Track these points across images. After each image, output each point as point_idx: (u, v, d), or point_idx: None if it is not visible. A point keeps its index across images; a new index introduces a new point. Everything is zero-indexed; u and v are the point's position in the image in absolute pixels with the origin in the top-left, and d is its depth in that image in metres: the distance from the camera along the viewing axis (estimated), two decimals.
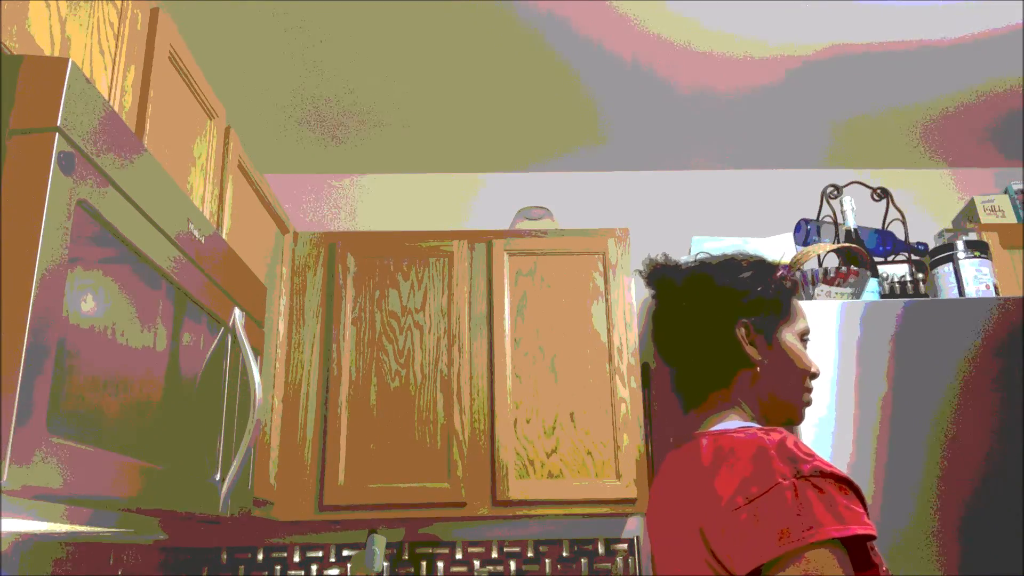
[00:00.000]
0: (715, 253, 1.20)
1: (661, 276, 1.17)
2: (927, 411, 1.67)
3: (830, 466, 0.90)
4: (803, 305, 1.74)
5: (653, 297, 1.18)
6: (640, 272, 1.21)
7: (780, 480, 0.87)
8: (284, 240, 2.31)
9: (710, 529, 0.92)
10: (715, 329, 1.09)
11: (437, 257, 2.42)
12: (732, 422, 1.05)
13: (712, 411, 1.09)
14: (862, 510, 0.88)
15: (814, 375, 1.12)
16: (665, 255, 1.19)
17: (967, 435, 1.65)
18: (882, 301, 1.83)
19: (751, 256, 1.16)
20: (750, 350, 1.07)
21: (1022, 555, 1.57)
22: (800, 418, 1.11)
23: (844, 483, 0.89)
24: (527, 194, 2.90)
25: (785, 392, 1.09)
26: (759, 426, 1.03)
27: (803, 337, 1.13)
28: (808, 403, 1.12)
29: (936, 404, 1.67)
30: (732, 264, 1.14)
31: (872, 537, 0.87)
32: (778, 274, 1.13)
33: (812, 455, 0.91)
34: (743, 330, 1.08)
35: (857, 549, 0.87)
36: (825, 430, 1.64)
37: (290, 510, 2.18)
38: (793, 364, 1.10)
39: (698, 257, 1.18)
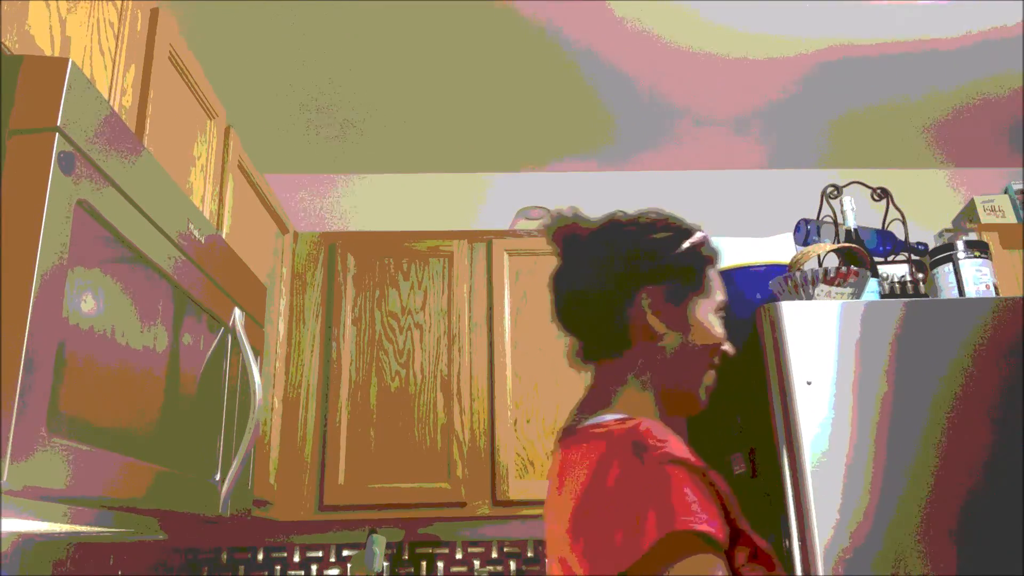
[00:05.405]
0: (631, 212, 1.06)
1: (566, 232, 1.06)
2: (926, 411, 1.67)
3: (681, 452, 0.83)
4: (805, 304, 1.74)
5: (557, 255, 1.08)
6: (545, 225, 1.08)
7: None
8: (284, 240, 2.31)
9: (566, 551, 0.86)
10: (618, 295, 0.98)
11: (437, 257, 2.42)
12: (605, 415, 0.94)
13: (599, 394, 0.99)
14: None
15: (725, 353, 1.01)
16: (573, 208, 1.07)
17: (966, 435, 1.65)
18: (882, 301, 1.83)
19: (667, 217, 1.04)
20: (653, 320, 0.97)
21: (1022, 556, 1.57)
22: (700, 405, 1.01)
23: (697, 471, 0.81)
24: (527, 194, 2.90)
25: (690, 372, 0.99)
26: (618, 417, 0.92)
27: (718, 312, 1.03)
28: (711, 383, 1.01)
29: (936, 404, 1.67)
30: (644, 224, 1.02)
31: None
32: (695, 238, 1.02)
33: (665, 441, 0.83)
34: (646, 297, 0.97)
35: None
36: (824, 430, 1.64)
37: (290, 510, 2.18)
38: (703, 340, 0.99)
39: (611, 214, 1.05)
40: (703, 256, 1.02)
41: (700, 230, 1.04)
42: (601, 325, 1.00)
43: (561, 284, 1.05)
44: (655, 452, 0.81)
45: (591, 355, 1.02)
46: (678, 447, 0.83)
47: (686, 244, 1.01)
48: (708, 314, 1.01)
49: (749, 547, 0.86)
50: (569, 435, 0.98)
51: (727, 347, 1.02)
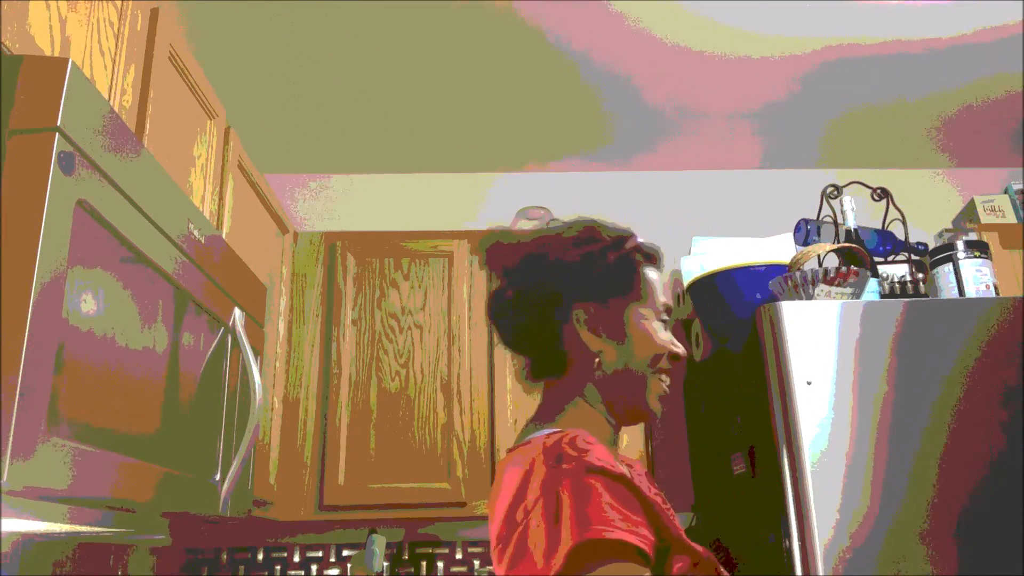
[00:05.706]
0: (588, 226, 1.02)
1: (495, 255, 1.02)
2: (926, 411, 1.67)
3: (601, 461, 0.81)
4: (805, 304, 1.74)
5: (490, 278, 1.05)
6: (481, 245, 1.03)
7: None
8: (284, 240, 2.31)
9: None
10: (551, 317, 0.96)
11: (437, 257, 2.42)
12: (542, 430, 0.93)
13: (545, 411, 0.99)
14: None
15: (675, 356, 0.98)
16: (504, 229, 1.03)
17: (966, 435, 1.65)
18: (882, 301, 1.83)
19: (595, 226, 1.01)
20: (588, 337, 0.95)
21: (1022, 555, 1.57)
22: (652, 414, 0.98)
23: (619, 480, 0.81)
24: (527, 194, 2.90)
25: (632, 384, 0.96)
26: (550, 432, 0.90)
27: (660, 315, 0.99)
28: (663, 391, 0.98)
29: (935, 404, 1.67)
30: (568, 240, 0.99)
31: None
32: (626, 245, 0.99)
33: (586, 450, 0.82)
34: (581, 314, 0.95)
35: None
36: (824, 430, 1.64)
37: (290, 510, 2.18)
38: (644, 349, 0.96)
39: (542, 228, 1.03)
40: (634, 262, 0.99)
41: (630, 235, 1.01)
42: (540, 347, 0.99)
43: (497, 307, 1.03)
44: (574, 462, 0.81)
45: (538, 374, 1.02)
46: (601, 456, 0.83)
47: (615, 253, 0.98)
48: (651, 321, 0.98)
49: (688, 555, 0.85)
50: (510, 451, 0.98)
51: (677, 349, 0.99)
